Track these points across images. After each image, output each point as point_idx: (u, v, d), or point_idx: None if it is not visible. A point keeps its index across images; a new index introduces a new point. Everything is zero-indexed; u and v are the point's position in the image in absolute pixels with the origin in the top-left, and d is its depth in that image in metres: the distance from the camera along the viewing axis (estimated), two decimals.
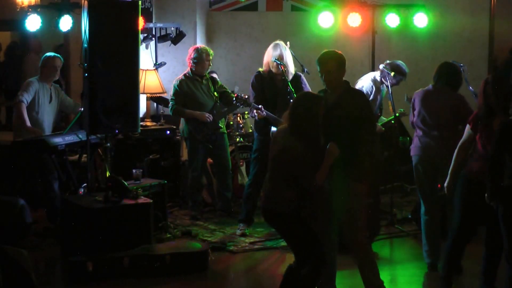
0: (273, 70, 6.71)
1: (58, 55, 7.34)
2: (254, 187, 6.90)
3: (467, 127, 5.07)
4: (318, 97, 4.74)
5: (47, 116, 7.15)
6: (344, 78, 5.00)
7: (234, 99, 6.82)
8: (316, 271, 4.66)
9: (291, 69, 6.77)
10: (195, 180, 7.55)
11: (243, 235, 6.84)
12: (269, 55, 6.73)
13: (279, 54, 6.65)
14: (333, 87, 4.93)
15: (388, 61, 7.25)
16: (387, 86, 7.07)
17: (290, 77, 6.73)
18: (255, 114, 6.60)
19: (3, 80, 11.10)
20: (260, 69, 6.86)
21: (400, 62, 7.28)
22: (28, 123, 6.87)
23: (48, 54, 7.33)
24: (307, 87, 6.80)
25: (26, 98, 6.92)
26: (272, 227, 5.29)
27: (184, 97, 7.37)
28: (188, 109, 7.36)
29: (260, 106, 6.58)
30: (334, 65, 4.91)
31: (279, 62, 6.59)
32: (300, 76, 6.87)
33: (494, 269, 5.03)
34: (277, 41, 6.79)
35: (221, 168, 7.62)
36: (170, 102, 7.43)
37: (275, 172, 4.69)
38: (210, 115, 7.34)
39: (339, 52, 5.03)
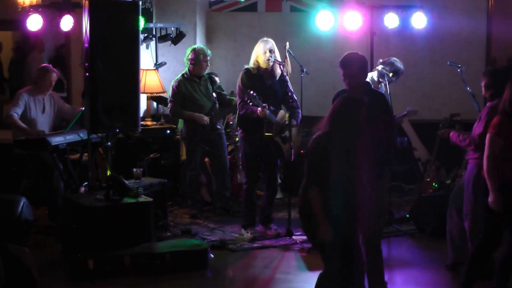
0: (264, 66, 6.64)
1: (55, 70, 7.38)
2: (251, 192, 6.85)
3: (491, 136, 4.84)
4: (360, 103, 4.56)
5: (42, 125, 7.20)
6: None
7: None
8: (328, 277, 4.56)
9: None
10: (193, 179, 7.60)
11: (254, 238, 6.72)
12: (260, 50, 6.63)
13: (270, 47, 6.60)
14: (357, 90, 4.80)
15: (380, 60, 7.26)
16: (385, 85, 7.10)
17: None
18: (257, 111, 6.45)
19: (10, 79, 11.17)
20: (247, 66, 6.75)
21: (394, 59, 7.27)
22: (27, 127, 6.96)
23: (46, 66, 7.36)
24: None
25: (16, 111, 7.02)
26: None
27: (182, 98, 7.41)
28: (186, 110, 7.41)
29: (265, 104, 6.48)
30: (358, 68, 4.81)
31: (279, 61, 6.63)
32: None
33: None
34: (265, 38, 6.73)
35: (219, 168, 7.67)
36: (169, 104, 7.47)
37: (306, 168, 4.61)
38: (208, 119, 7.37)
39: (361, 54, 4.92)
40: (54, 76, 7.33)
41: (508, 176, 4.82)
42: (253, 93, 6.41)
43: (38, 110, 7.19)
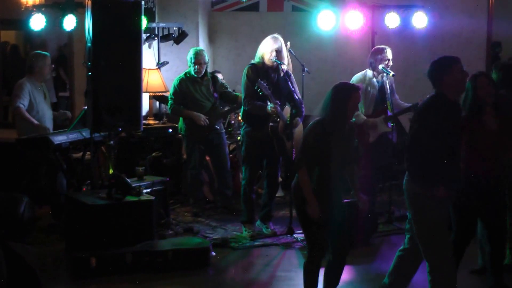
0: (268, 63, 6.67)
1: (47, 53, 7.40)
2: (249, 187, 6.90)
3: None
4: (355, 88, 4.70)
5: (47, 112, 7.24)
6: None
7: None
8: (313, 264, 4.74)
9: (287, 63, 6.80)
10: (194, 178, 7.63)
11: (253, 237, 6.76)
12: (267, 48, 6.65)
13: (278, 47, 6.63)
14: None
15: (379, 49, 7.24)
16: (383, 82, 7.10)
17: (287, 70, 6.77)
18: (266, 108, 6.49)
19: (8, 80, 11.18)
20: (253, 61, 6.79)
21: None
22: (35, 121, 6.98)
23: (39, 52, 7.37)
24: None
25: (23, 102, 6.99)
26: None
27: (182, 97, 7.44)
28: (186, 108, 7.44)
29: (277, 101, 6.52)
30: None
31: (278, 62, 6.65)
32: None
33: (500, 261, 5.12)
34: (275, 35, 6.74)
35: (219, 167, 7.69)
36: (169, 101, 7.51)
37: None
38: (206, 119, 7.40)
39: None
40: (50, 59, 7.36)
41: (474, 169, 4.97)
42: (263, 83, 6.44)
43: (40, 96, 7.21)
